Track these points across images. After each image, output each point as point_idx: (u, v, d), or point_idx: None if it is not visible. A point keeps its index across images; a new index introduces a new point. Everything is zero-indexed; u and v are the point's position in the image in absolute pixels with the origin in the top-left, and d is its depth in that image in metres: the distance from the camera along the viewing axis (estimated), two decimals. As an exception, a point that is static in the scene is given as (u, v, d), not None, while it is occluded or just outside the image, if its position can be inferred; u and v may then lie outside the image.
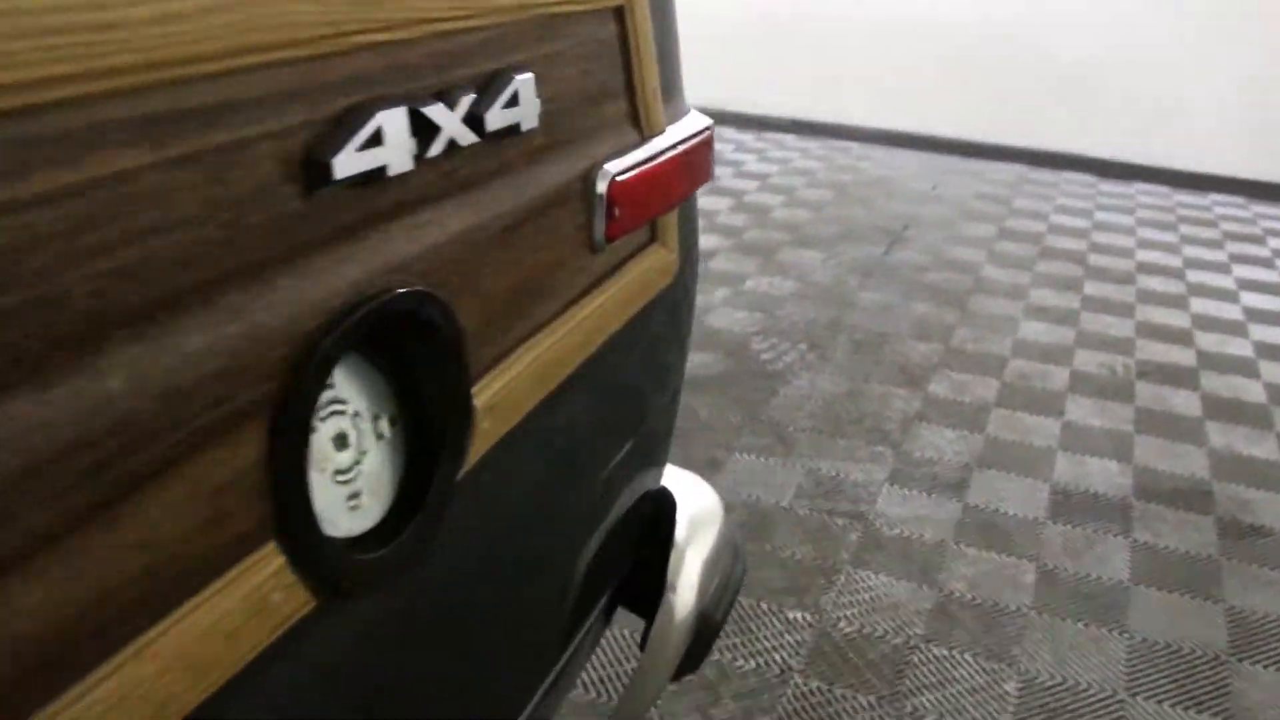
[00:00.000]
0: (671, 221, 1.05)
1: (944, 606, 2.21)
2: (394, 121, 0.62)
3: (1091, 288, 4.18)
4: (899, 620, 2.16)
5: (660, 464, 1.23)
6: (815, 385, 3.20)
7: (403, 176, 0.65)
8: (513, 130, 0.75)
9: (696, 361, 3.29)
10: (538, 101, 0.77)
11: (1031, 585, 2.29)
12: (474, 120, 0.70)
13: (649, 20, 0.96)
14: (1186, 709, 1.97)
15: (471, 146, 0.72)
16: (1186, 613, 2.24)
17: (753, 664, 2.03)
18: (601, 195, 0.88)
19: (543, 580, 0.99)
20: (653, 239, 1.03)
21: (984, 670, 2.02)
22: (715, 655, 2.05)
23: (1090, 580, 2.32)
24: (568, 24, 0.82)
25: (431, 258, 0.68)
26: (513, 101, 0.73)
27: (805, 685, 1.97)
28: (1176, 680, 2.04)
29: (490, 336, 0.77)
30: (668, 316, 1.10)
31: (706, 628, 1.16)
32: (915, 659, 2.05)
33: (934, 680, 1.99)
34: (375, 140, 0.61)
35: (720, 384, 3.18)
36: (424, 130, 0.65)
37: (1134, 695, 1.99)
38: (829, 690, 1.96)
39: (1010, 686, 1.98)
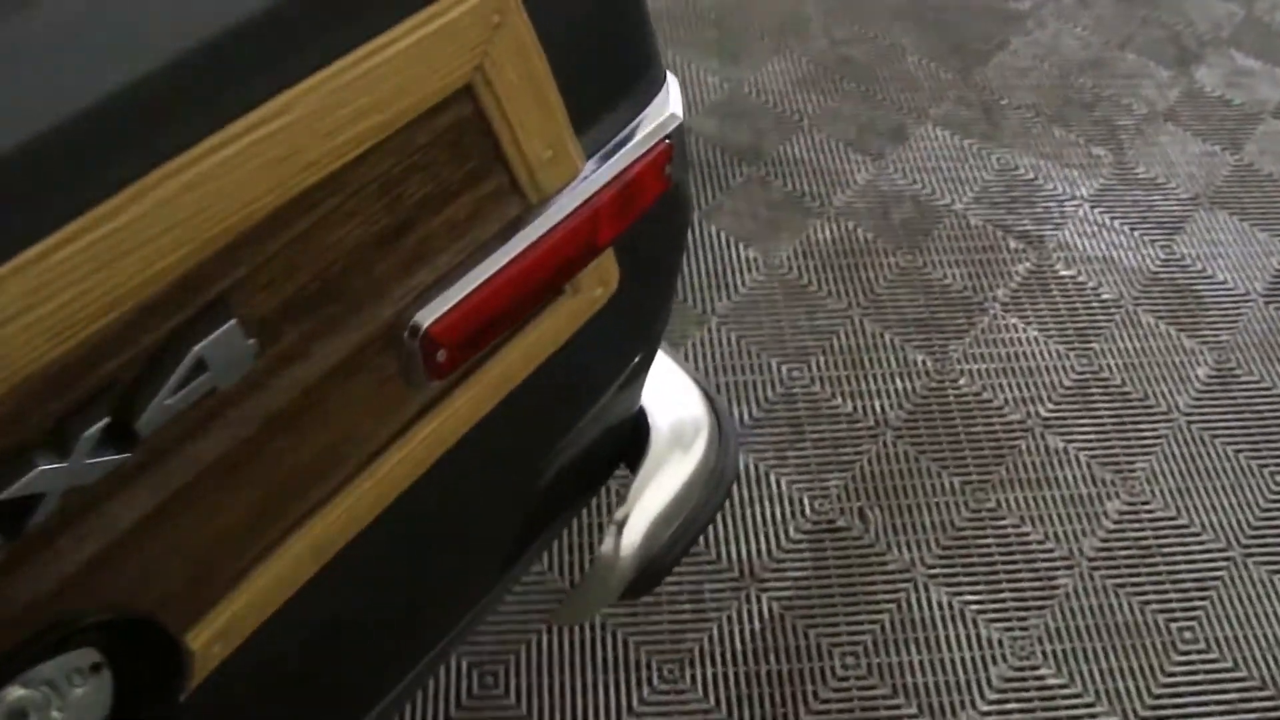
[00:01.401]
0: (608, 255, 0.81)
1: (1085, 386, 1.98)
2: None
3: None
4: (1026, 392, 1.96)
5: (630, 404, 1.08)
6: (1058, 43, 2.66)
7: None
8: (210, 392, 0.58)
9: (926, -19, 2.77)
10: (250, 344, 0.57)
11: (1197, 385, 2.00)
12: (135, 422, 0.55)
13: (528, 65, 0.67)
14: (1307, 573, 1.78)
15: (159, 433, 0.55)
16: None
17: (849, 407, 1.92)
18: (414, 350, 0.67)
19: (498, 494, 0.92)
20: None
21: (1093, 479, 1.85)
22: (817, 388, 1.95)
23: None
24: (358, 167, 0.59)
25: (125, 557, 0.56)
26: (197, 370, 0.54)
27: (893, 447, 1.87)
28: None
29: (232, 559, 0.63)
30: (613, 323, 0.88)
31: (651, 570, 1.07)
32: (1023, 445, 1.89)
33: (1032, 476, 1.84)
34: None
35: (940, 20, 2.69)
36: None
37: None
38: (915, 461, 1.85)
39: (1113, 506, 1.82)
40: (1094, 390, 1.98)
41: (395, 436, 0.73)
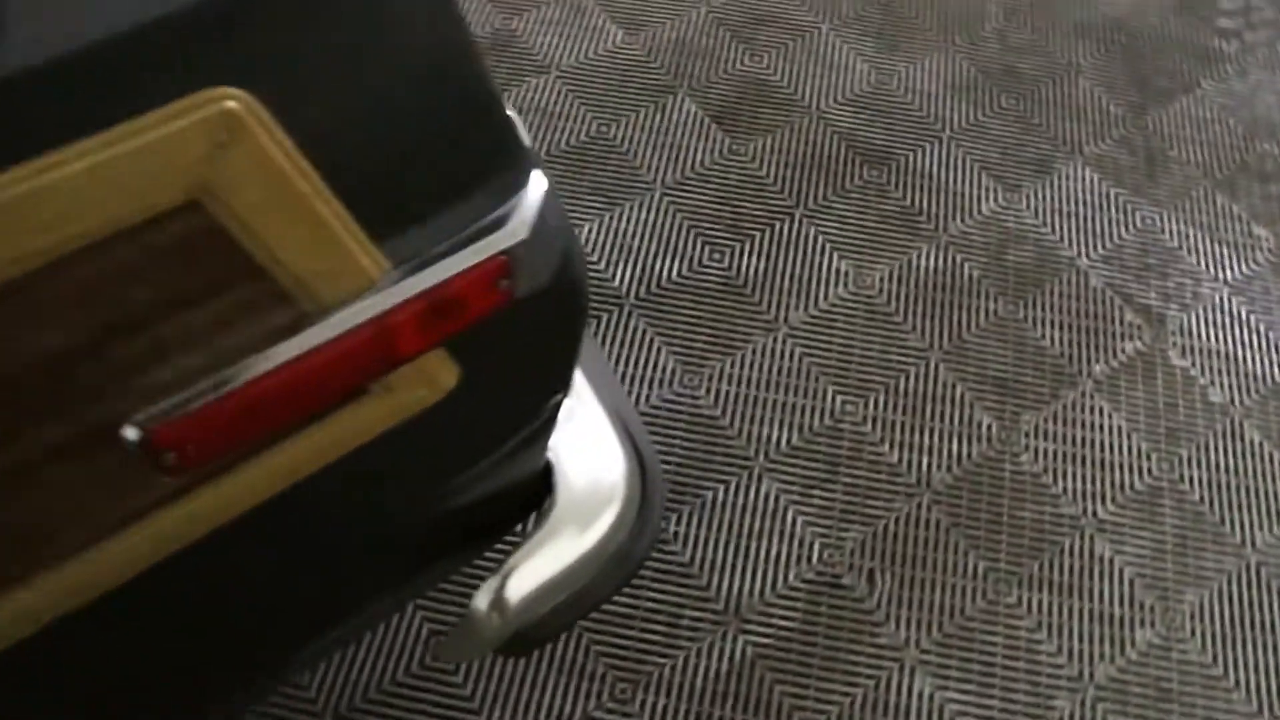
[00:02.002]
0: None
1: (1157, 495, 1.82)
2: None
3: None
4: (1091, 486, 1.82)
5: (527, 466, 1.02)
6: (1254, 96, 2.38)
7: None
8: None
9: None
10: None
11: (1293, 514, 1.82)
12: None
13: (278, 184, 0.60)
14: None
15: None
16: None
17: (895, 456, 1.82)
18: (134, 450, 0.63)
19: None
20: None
21: (1131, 600, 1.71)
22: (867, 428, 1.85)
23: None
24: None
25: None
26: None
27: (927, 512, 1.76)
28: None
29: None
30: (473, 411, 0.81)
31: (530, 636, 1.02)
32: (1067, 544, 1.75)
33: (1066, 580, 1.72)
34: None
35: (1129, 45, 2.44)
36: None
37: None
38: (945, 532, 1.75)
39: (1144, 635, 1.68)
40: (1165, 501, 1.82)
41: (136, 517, 0.71)
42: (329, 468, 0.78)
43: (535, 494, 1.07)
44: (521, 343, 0.83)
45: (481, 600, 1.00)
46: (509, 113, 0.73)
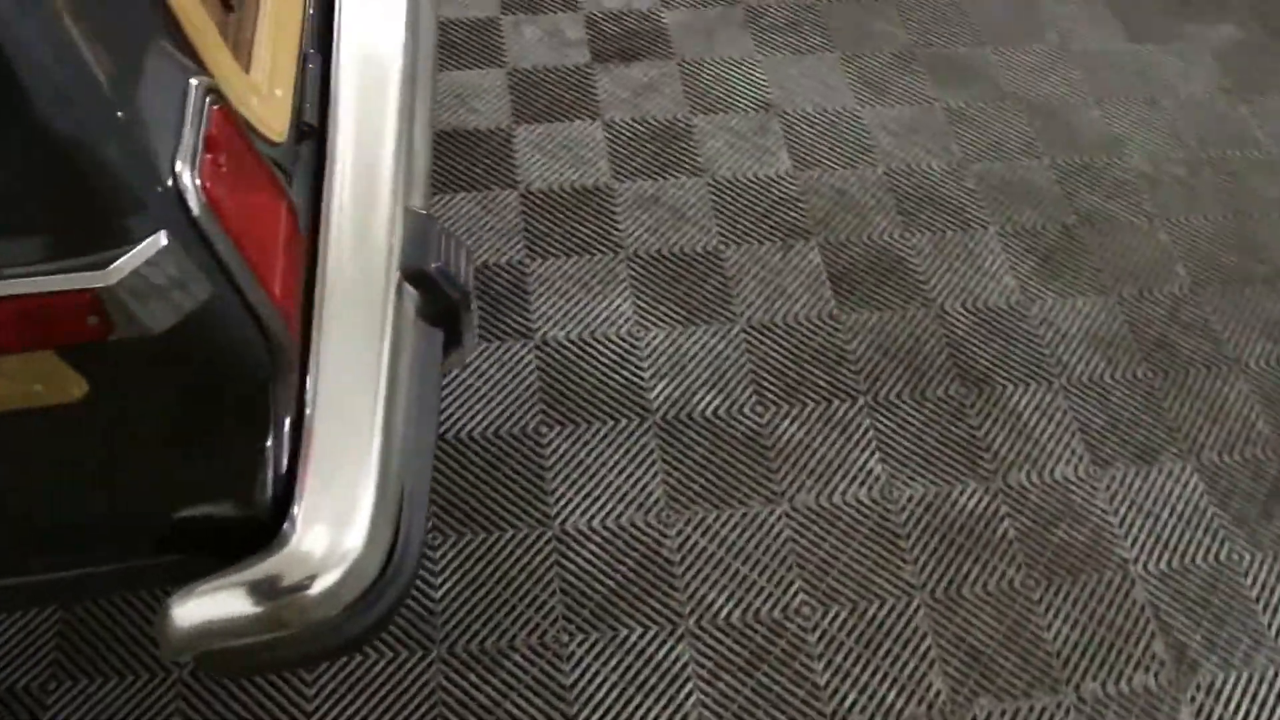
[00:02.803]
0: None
1: None
2: None
3: None
4: (1021, 802, 1.64)
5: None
6: None
7: None
8: None
9: None
10: None
11: None
12: None
13: None
14: None
15: None
16: None
17: (825, 679, 1.72)
18: None
19: None
20: None
21: None
22: (812, 638, 1.76)
23: None
24: None
25: None
26: None
27: (830, 748, 1.65)
28: None
29: None
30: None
31: (210, 663, 1.04)
32: None
33: None
34: None
35: (1320, 367, 2.18)
36: None
37: None
38: (836, 778, 1.63)
39: None
40: None
41: None
42: None
43: (253, 534, 1.07)
44: (164, 385, 0.88)
45: (163, 612, 1.03)
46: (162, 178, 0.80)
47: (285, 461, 1.02)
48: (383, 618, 1.08)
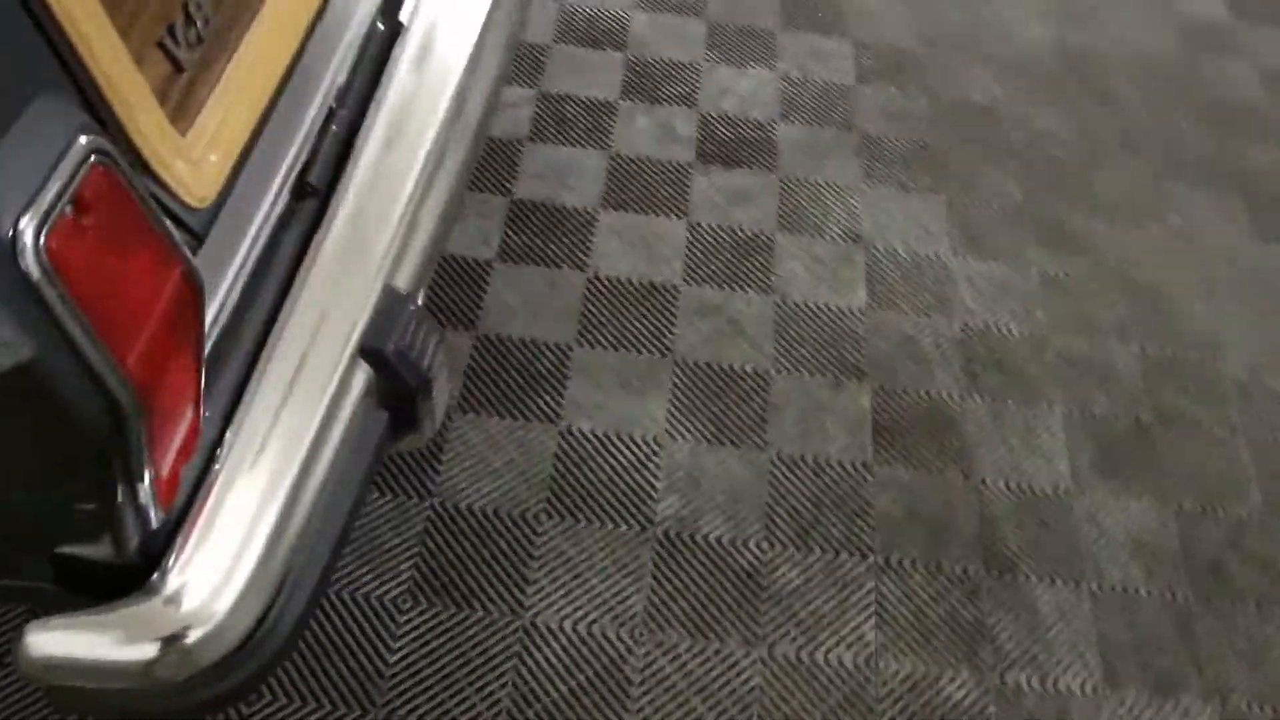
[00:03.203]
0: None
1: None
2: None
3: None
4: None
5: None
6: None
7: None
8: None
9: None
10: None
11: None
12: None
13: None
14: None
15: None
16: None
17: (752, 843, 1.64)
18: None
19: None
20: None
21: None
22: (750, 793, 1.69)
23: None
24: None
25: None
26: None
27: None
28: None
29: None
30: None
31: (54, 697, 1.05)
32: None
33: None
34: None
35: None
36: None
37: None
38: None
39: None
40: None
41: None
42: None
43: (129, 579, 1.06)
44: (3, 425, 0.90)
45: (26, 630, 1.03)
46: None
47: (160, 513, 1.02)
48: (234, 690, 1.07)
